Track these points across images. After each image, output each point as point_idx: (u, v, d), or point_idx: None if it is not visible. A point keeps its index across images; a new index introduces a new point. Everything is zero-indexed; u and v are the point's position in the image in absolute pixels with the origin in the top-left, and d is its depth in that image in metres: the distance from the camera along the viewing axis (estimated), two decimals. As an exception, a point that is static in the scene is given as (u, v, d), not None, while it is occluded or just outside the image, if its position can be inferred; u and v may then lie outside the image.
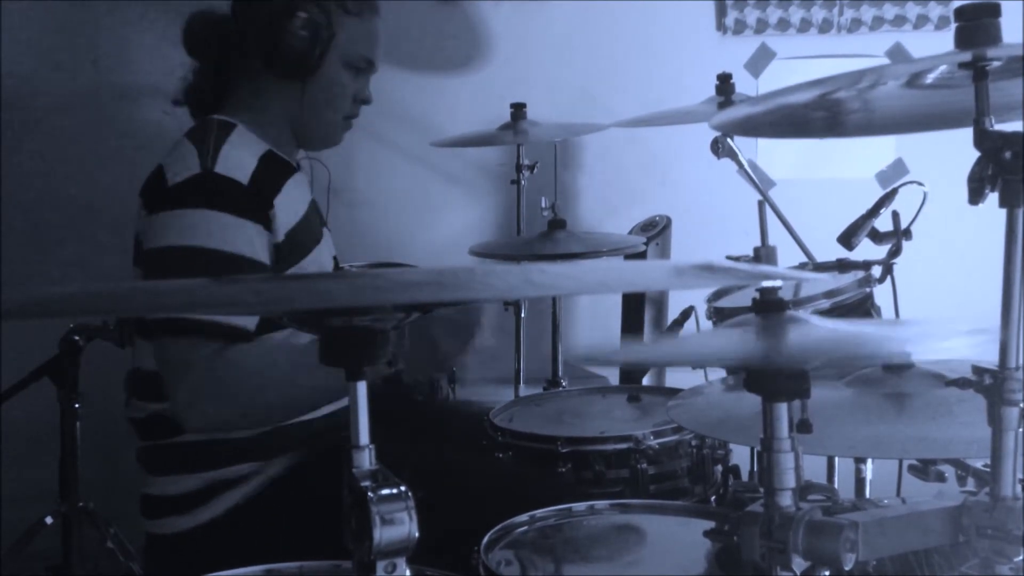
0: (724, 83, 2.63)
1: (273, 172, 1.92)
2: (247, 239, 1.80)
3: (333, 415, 1.95)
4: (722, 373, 1.84)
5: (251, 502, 1.86)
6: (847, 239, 2.18)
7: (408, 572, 0.94)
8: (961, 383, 1.21)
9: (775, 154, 3.13)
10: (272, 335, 1.84)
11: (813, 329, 1.18)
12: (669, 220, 3.02)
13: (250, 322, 1.80)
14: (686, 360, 1.36)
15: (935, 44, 3.00)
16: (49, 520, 2.34)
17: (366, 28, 2.00)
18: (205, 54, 2.01)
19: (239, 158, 1.86)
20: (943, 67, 1.26)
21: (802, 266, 2.39)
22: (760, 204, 2.46)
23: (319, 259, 1.98)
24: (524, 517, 1.58)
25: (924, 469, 1.56)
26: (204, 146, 1.85)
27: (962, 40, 1.19)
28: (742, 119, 1.51)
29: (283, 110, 1.98)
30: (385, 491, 0.93)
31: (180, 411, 1.76)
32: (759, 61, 3.14)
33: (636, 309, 2.98)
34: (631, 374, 2.60)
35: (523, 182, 2.88)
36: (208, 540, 1.85)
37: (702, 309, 2.33)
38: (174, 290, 0.99)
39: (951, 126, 1.36)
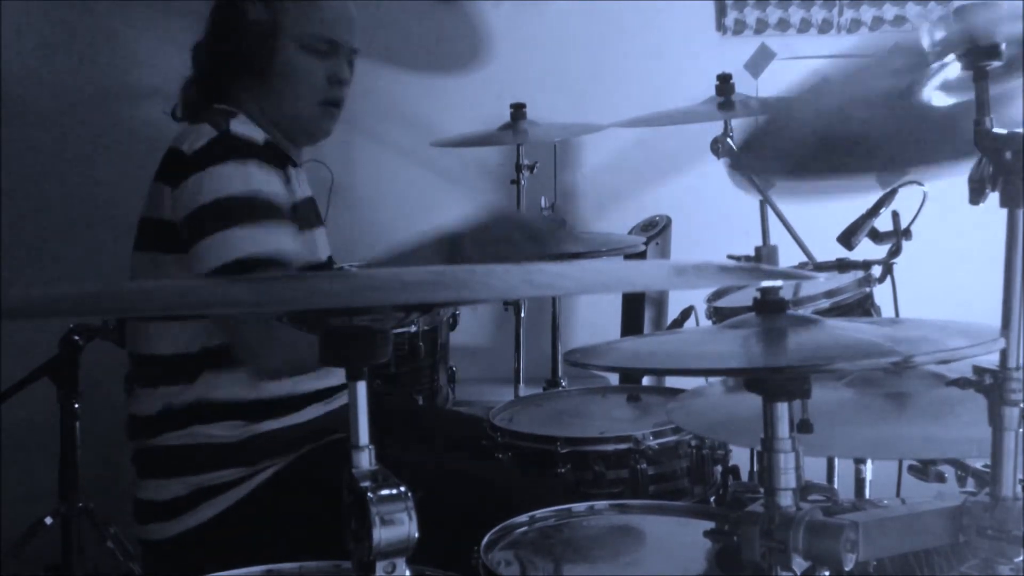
0: (724, 83, 2.64)
1: (277, 154, 1.95)
2: (274, 185, 1.84)
3: (319, 419, 1.95)
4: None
5: (235, 510, 1.85)
6: (847, 239, 2.18)
7: (408, 572, 0.94)
8: (961, 383, 1.21)
9: (775, 154, 3.13)
10: None
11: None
12: (669, 220, 3.02)
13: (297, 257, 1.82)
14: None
15: (935, 44, 3.00)
16: (49, 520, 2.34)
17: (318, 7, 1.96)
18: (199, 62, 2.02)
19: (250, 130, 1.90)
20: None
21: (802, 266, 2.39)
22: (760, 204, 2.46)
23: (312, 244, 1.98)
24: (524, 517, 1.58)
25: (924, 469, 1.56)
26: (215, 119, 1.88)
27: (963, 40, 1.19)
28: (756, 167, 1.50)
29: (259, 109, 1.98)
30: (385, 491, 0.93)
31: (256, 360, 1.79)
32: (759, 61, 3.14)
33: (636, 309, 2.98)
34: (631, 374, 2.60)
35: (523, 182, 2.88)
36: (193, 547, 1.85)
37: (702, 309, 2.33)
38: (174, 290, 1.00)
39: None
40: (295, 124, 2.00)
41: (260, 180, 1.81)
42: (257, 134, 1.91)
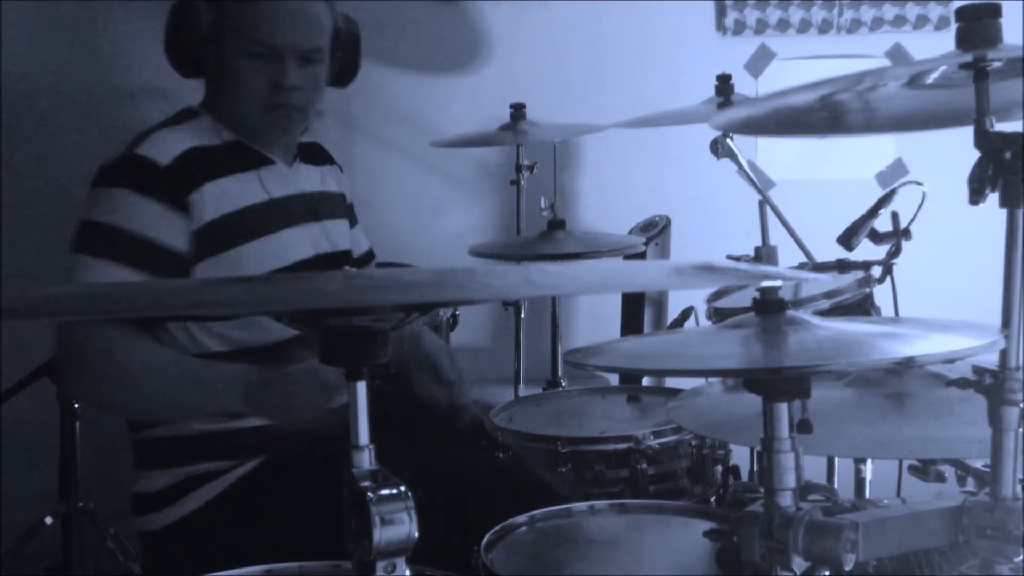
0: (724, 83, 2.64)
1: (221, 160, 1.92)
2: (154, 221, 1.82)
3: None
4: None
5: (224, 498, 1.86)
6: (847, 239, 2.18)
7: (408, 572, 0.94)
8: (961, 383, 1.21)
9: (775, 154, 3.13)
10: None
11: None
12: (669, 220, 3.03)
13: None
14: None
15: (935, 44, 3.00)
16: (49, 520, 2.34)
17: (256, 8, 1.91)
18: None
19: (172, 142, 1.88)
20: (944, 68, 1.27)
21: (802, 266, 2.39)
22: (760, 204, 2.46)
23: (258, 252, 1.92)
24: (524, 517, 1.58)
25: (924, 469, 1.56)
26: (148, 131, 1.90)
27: (963, 40, 1.19)
28: (743, 119, 1.51)
29: (218, 105, 1.98)
30: (385, 491, 0.93)
31: (67, 381, 1.83)
32: (759, 62, 3.14)
33: (636, 309, 2.98)
34: (631, 374, 2.60)
35: (523, 182, 2.88)
36: (187, 536, 1.86)
37: (702, 309, 2.33)
38: (174, 291, 1.00)
39: (952, 125, 1.36)
40: (244, 126, 1.98)
41: (138, 214, 1.81)
42: (184, 143, 1.89)
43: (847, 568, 1.07)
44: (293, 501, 1.76)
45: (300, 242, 2.02)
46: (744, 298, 2.18)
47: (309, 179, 2.09)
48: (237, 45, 1.90)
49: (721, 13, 3.17)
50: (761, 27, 3.15)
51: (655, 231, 2.98)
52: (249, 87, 1.92)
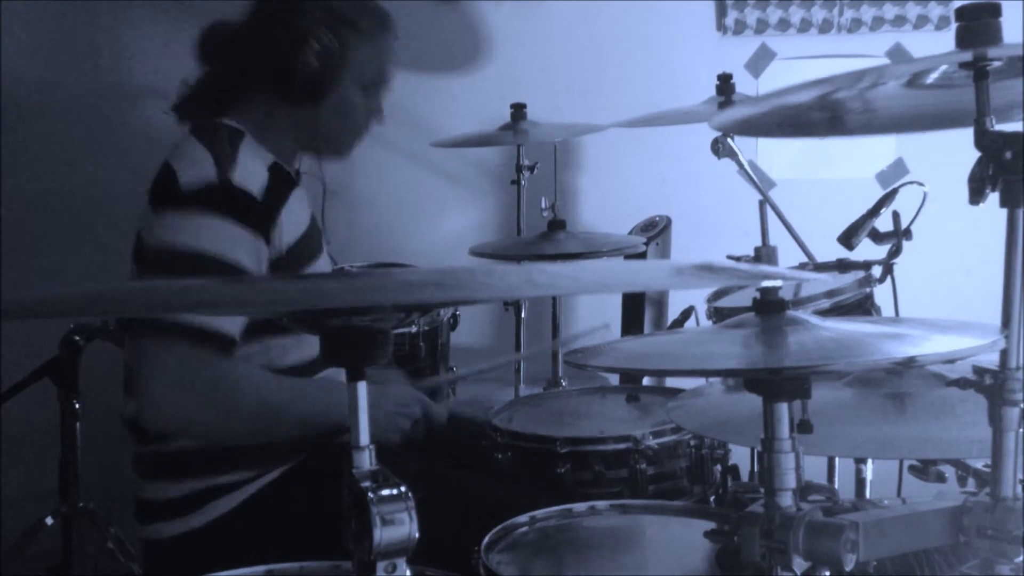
0: (724, 83, 2.64)
1: (279, 185, 1.89)
2: (253, 253, 1.79)
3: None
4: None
5: (242, 509, 1.85)
6: (847, 239, 2.18)
7: (408, 572, 0.94)
8: (962, 383, 1.21)
9: (775, 154, 3.13)
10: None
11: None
12: (669, 220, 3.03)
13: (234, 328, 1.77)
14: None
15: (935, 44, 3.01)
16: (49, 520, 2.34)
17: (379, 48, 1.96)
18: (218, 64, 1.96)
19: (254, 169, 1.84)
20: (944, 67, 1.27)
21: (802, 266, 2.39)
22: (760, 204, 2.46)
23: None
24: (524, 517, 1.58)
25: (924, 469, 1.56)
26: (220, 151, 1.83)
27: (963, 40, 1.20)
28: (742, 119, 1.51)
29: (293, 128, 1.95)
30: (385, 491, 0.93)
31: (146, 412, 1.76)
32: (759, 61, 3.14)
33: (636, 309, 2.98)
34: (631, 374, 2.60)
35: (523, 182, 2.88)
36: (198, 546, 1.84)
37: (702, 309, 2.33)
38: (175, 290, 0.99)
39: (952, 126, 1.36)
40: (330, 148, 2.00)
41: (239, 246, 1.77)
42: (261, 170, 1.86)
43: (847, 568, 1.07)
44: (310, 515, 1.73)
45: (326, 264, 2.04)
46: (744, 298, 2.18)
47: (305, 197, 2.09)
48: (360, 80, 1.93)
49: (721, 13, 3.17)
50: (762, 27, 3.15)
51: (655, 231, 2.98)
52: (358, 116, 1.97)
